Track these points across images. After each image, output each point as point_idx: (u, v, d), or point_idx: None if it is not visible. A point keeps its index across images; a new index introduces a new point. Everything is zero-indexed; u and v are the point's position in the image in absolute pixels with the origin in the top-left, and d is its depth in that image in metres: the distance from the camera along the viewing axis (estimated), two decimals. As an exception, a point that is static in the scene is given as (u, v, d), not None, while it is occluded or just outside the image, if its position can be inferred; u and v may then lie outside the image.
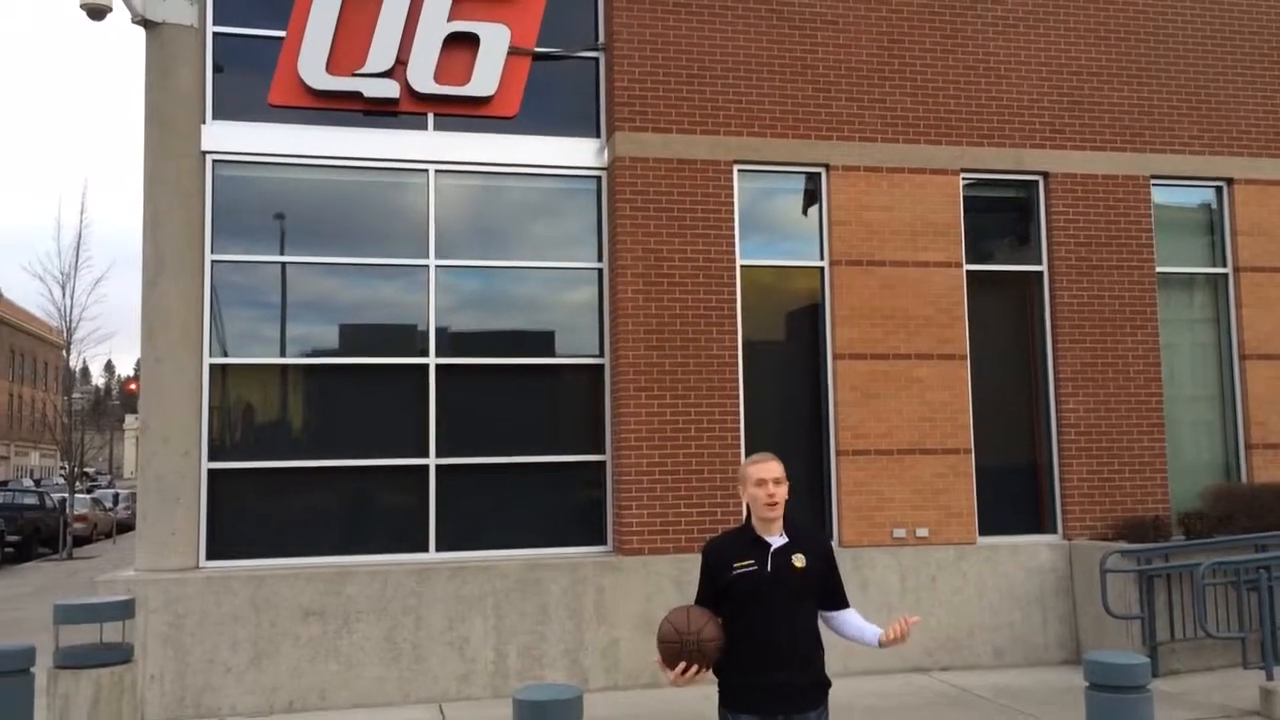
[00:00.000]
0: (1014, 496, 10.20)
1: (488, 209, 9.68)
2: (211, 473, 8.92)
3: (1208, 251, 10.95)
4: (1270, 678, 7.95)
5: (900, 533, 9.69)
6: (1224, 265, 10.89)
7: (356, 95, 9.32)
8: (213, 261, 9.09)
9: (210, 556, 8.84)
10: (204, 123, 9.12)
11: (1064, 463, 10.14)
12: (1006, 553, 9.84)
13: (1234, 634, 8.71)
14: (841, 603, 4.15)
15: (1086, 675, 3.66)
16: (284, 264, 9.29)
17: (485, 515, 9.35)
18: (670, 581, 9.07)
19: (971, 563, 9.75)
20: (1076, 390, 10.20)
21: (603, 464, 9.61)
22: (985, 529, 9.96)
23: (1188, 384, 10.78)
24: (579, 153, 9.77)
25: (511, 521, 9.39)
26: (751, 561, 3.98)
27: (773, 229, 10.02)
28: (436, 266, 9.45)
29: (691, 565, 9.07)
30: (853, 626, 4.14)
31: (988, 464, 10.08)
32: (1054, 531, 10.16)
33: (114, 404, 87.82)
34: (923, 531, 9.72)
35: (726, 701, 3.99)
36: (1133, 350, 10.34)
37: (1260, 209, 10.84)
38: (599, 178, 9.83)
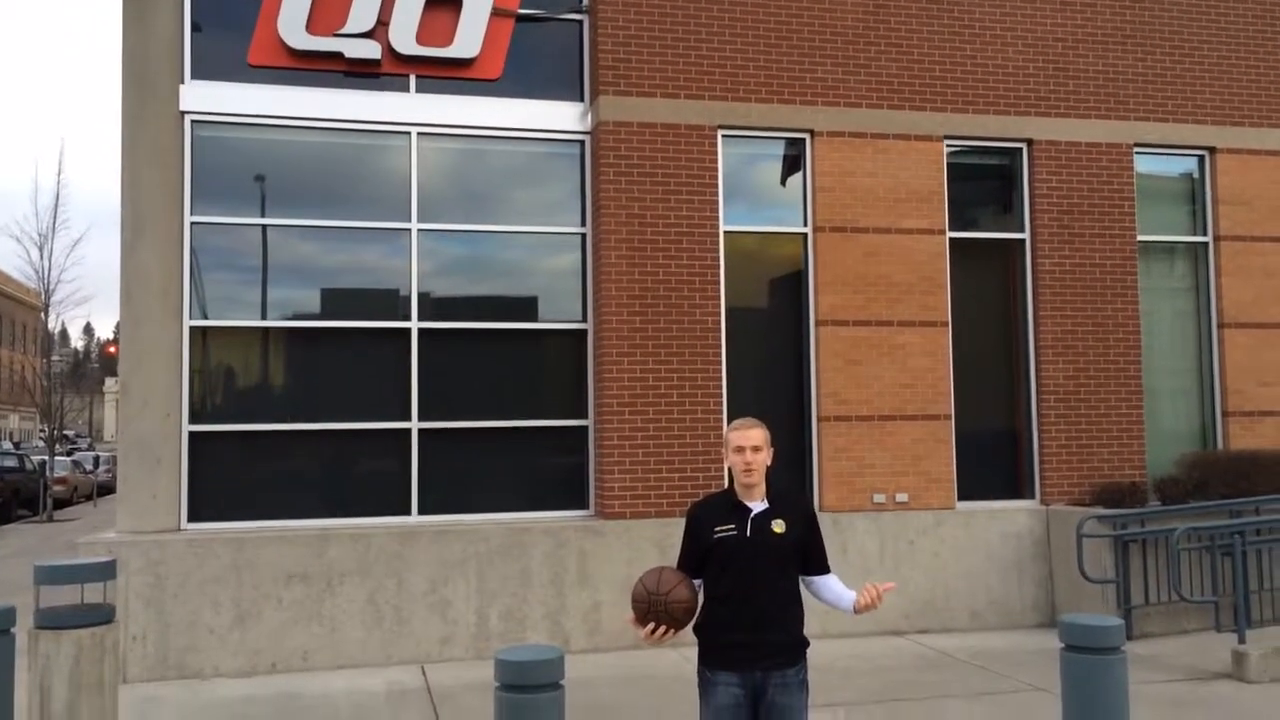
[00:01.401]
0: (993, 462, 10.29)
1: (470, 173, 9.62)
2: (192, 435, 8.90)
3: (1188, 220, 11.00)
4: (1242, 641, 8.08)
5: (880, 498, 9.76)
6: (1204, 234, 10.94)
7: (337, 56, 9.22)
8: (192, 223, 9.01)
9: (192, 519, 8.84)
10: (182, 82, 9.00)
11: (1043, 429, 10.22)
12: (984, 518, 9.94)
13: (1207, 598, 8.83)
14: (822, 568, 4.19)
15: (1062, 637, 3.71)
16: (265, 226, 9.22)
17: (468, 479, 9.37)
18: (652, 545, 9.12)
19: (950, 528, 9.84)
20: (1056, 357, 10.27)
21: (585, 429, 9.63)
22: (964, 494, 10.05)
23: (1166, 352, 10.86)
24: (563, 116, 9.71)
25: (494, 485, 9.41)
26: (732, 526, 4.03)
27: (756, 195, 10.00)
28: (419, 230, 9.40)
29: (673, 529, 9.14)
30: (831, 592, 4.19)
31: (968, 430, 10.15)
32: (1032, 497, 10.26)
33: (93, 367, 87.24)
34: (902, 497, 9.80)
35: (705, 660, 4.04)
36: (1112, 318, 10.40)
37: (1241, 178, 10.89)
38: (583, 142, 9.78)
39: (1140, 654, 8.53)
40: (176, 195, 8.94)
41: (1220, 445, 10.68)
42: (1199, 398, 10.90)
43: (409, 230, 9.38)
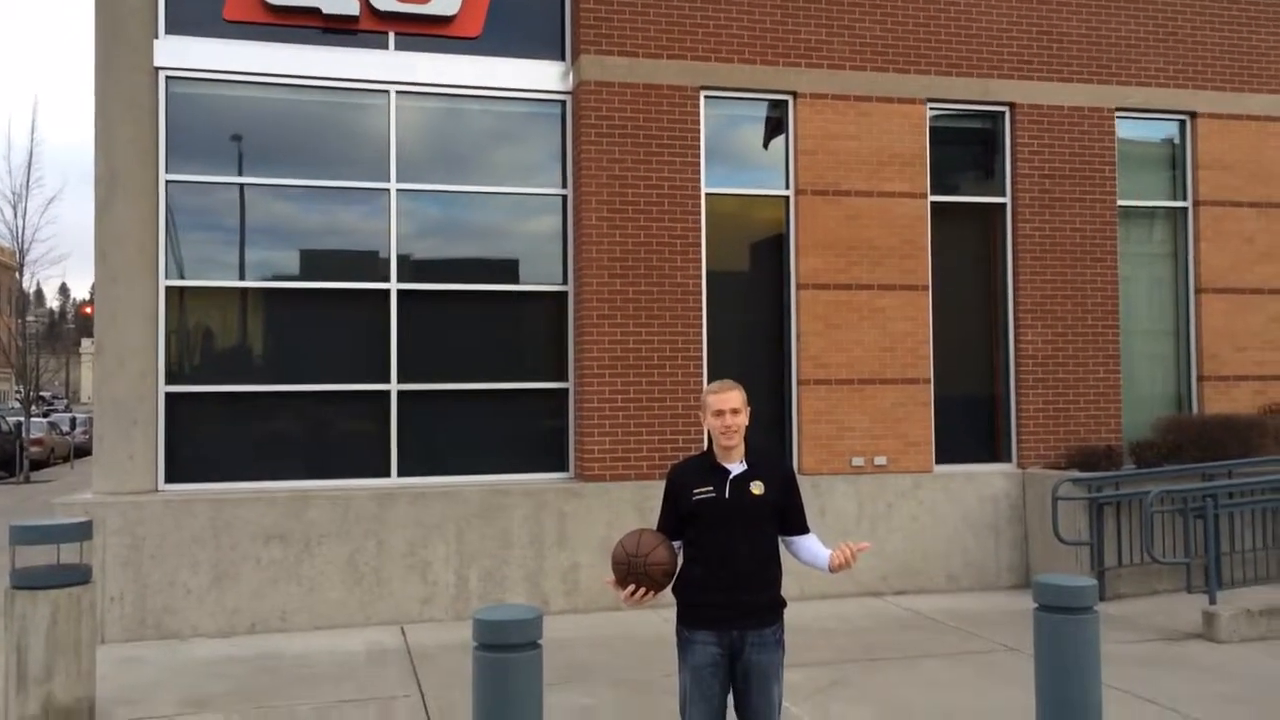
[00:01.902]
0: (971, 426, 10.35)
1: (450, 132, 9.53)
2: (169, 396, 8.84)
3: (1169, 185, 11.02)
4: (1212, 602, 8.19)
5: (859, 461, 9.81)
6: (1184, 199, 10.97)
7: (315, 12, 9.09)
8: (167, 181, 8.90)
9: (169, 480, 8.80)
10: (156, 37, 8.86)
11: (1021, 393, 10.28)
12: (962, 481, 10.01)
13: (1179, 560, 8.95)
14: (800, 528, 4.21)
15: (1035, 597, 3.75)
16: (241, 185, 9.12)
17: (447, 441, 9.35)
18: (631, 508, 9.15)
19: (928, 491, 9.91)
20: (1035, 322, 10.31)
21: (565, 391, 9.62)
22: (942, 458, 10.11)
23: (1144, 317, 10.92)
24: (543, 76, 9.62)
25: (474, 448, 9.41)
26: (710, 488, 4.04)
27: (739, 157, 9.95)
28: (398, 190, 9.32)
29: (653, 491, 9.17)
30: (808, 552, 4.21)
31: (946, 394, 10.20)
32: (1009, 460, 10.33)
33: (69, 327, 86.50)
34: (881, 460, 9.85)
35: (683, 620, 4.07)
36: (1091, 283, 10.44)
37: (1222, 143, 10.90)
38: (564, 102, 9.69)
39: (1113, 614, 8.65)
40: (151, 153, 8.82)
41: (1195, 409, 10.77)
42: (1175, 362, 10.98)
43: (388, 190, 9.30)
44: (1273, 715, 6.13)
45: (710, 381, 9.36)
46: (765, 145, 10.04)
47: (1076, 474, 9.56)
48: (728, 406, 4.06)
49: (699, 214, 9.58)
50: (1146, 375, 10.91)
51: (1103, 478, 9.41)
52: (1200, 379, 10.81)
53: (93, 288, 8.95)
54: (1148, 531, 8.45)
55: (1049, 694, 3.68)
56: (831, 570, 4.08)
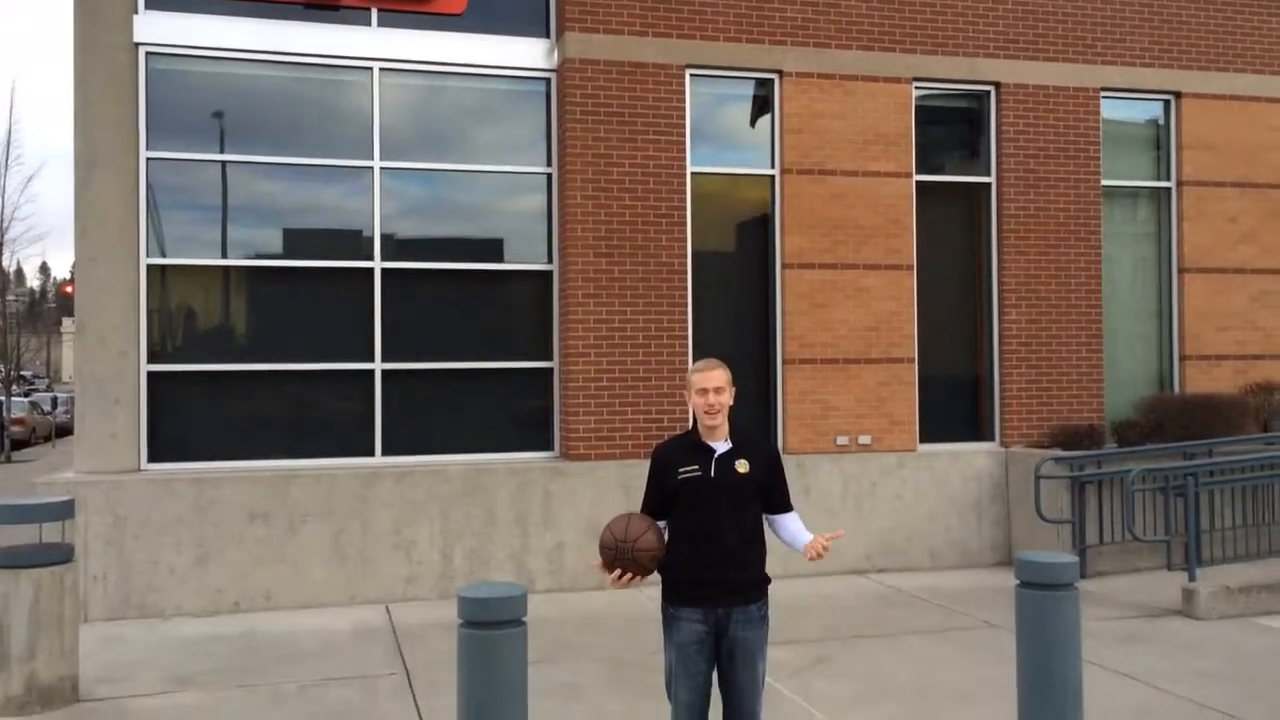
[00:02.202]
0: (955, 405, 10.39)
1: (434, 110, 9.47)
2: (151, 375, 8.79)
3: (1152, 166, 11.05)
4: (1192, 579, 8.27)
5: (843, 440, 9.84)
6: (1168, 179, 11.00)
7: (297, -13, 9.00)
8: (148, 159, 8.82)
9: (152, 459, 8.76)
10: (136, 13, 8.75)
11: (1004, 372, 10.32)
12: (945, 460, 10.06)
13: (1160, 537, 9.02)
14: (784, 507, 4.23)
15: (1017, 574, 3.77)
16: (223, 163, 9.04)
17: (432, 420, 9.34)
18: (617, 487, 9.16)
19: (911, 470, 9.96)
20: (1019, 301, 10.34)
21: (550, 370, 9.61)
22: (926, 437, 10.16)
23: (1127, 297, 10.97)
24: (528, 54, 9.56)
25: (458, 427, 9.39)
26: (696, 466, 4.06)
27: (724, 136, 9.93)
28: (381, 169, 9.27)
29: (638, 471, 9.17)
30: (788, 531, 4.24)
31: (930, 373, 10.23)
32: (992, 439, 10.38)
33: (50, 306, 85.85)
34: (865, 439, 9.89)
35: (669, 597, 4.08)
36: (1075, 263, 10.47)
37: (1206, 123, 10.93)
38: (548, 80, 9.64)
39: (1093, 591, 8.72)
40: (131, 130, 8.73)
41: (1177, 389, 10.84)
42: (1158, 342, 11.04)
43: (371, 168, 9.24)
44: (1250, 690, 6.20)
45: (695, 361, 9.37)
46: (752, 124, 10.01)
47: (1059, 453, 9.61)
48: (711, 385, 4.07)
49: (684, 193, 9.56)
50: (1129, 355, 10.97)
51: (1085, 456, 9.47)
52: (1182, 359, 10.87)
53: (73, 266, 8.88)
54: (1129, 509, 8.51)
55: (1030, 669, 3.71)
56: (809, 559, 4.10)
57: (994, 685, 6.28)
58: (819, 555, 4.05)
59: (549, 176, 9.65)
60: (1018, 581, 3.79)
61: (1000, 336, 10.35)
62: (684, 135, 9.56)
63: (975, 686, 6.32)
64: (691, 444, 4.13)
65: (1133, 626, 7.77)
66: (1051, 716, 3.66)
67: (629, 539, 3.95)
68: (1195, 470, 8.69)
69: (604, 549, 4.01)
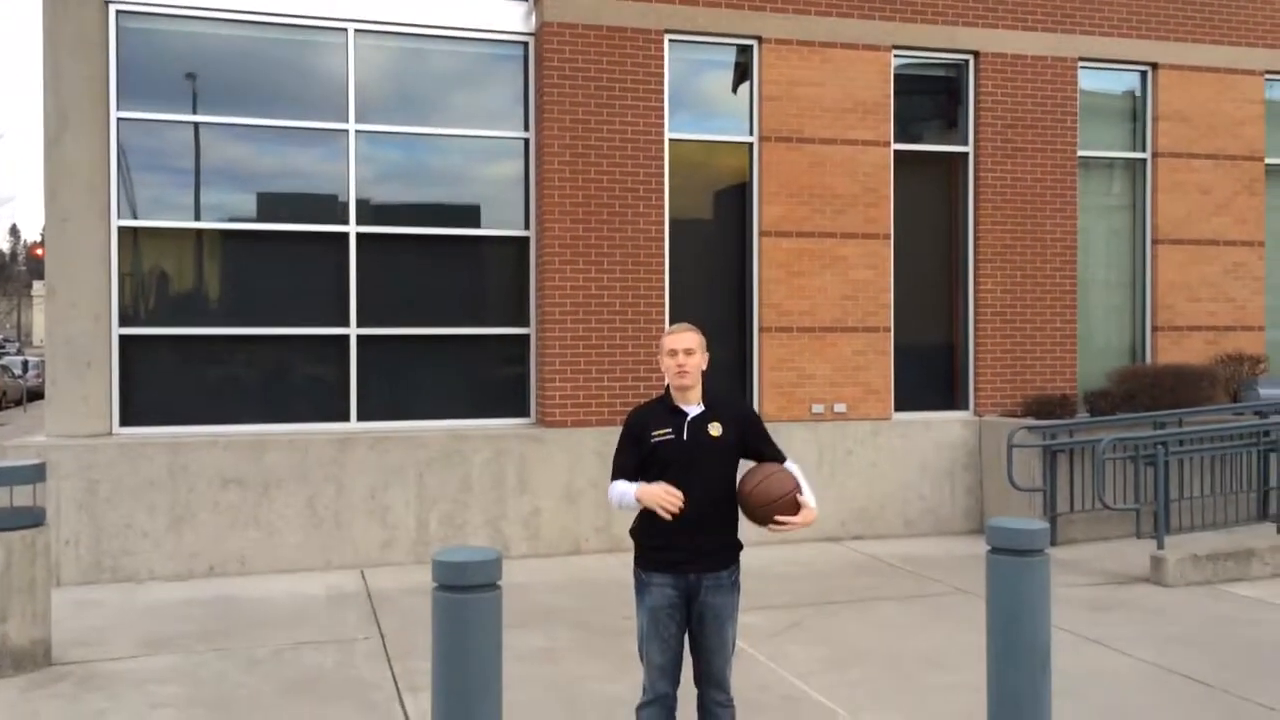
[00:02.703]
0: (930, 374, 10.45)
1: (410, 73, 9.36)
2: (123, 338, 8.71)
3: (1128, 137, 11.09)
4: (1161, 547, 8.38)
5: (819, 408, 9.89)
6: (1143, 150, 11.05)
7: (270, -54, 8.86)
8: (119, 119, 8.69)
9: (124, 423, 8.70)
10: (106, -31, 8.60)
11: (979, 342, 10.38)
12: (920, 428, 10.12)
13: (1129, 506, 9.13)
14: (778, 460, 4.17)
15: (988, 540, 3.81)
16: (196, 124, 8.93)
17: (407, 386, 9.31)
18: (593, 453, 9.18)
19: (886, 438, 10.02)
20: (994, 271, 10.38)
21: (527, 337, 9.59)
22: (901, 405, 10.22)
23: (1101, 268, 11.04)
24: (505, 17, 9.46)
25: (434, 393, 9.37)
26: (669, 430, 4.06)
27: (702, 103, 9.88)
28: (356, 132, 9.17)
29: (614, 438, 9.12)
30: None
31: (906, 342, 10.28)
32: (966, 408, 10.46)
33: (20, 269, 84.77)
34: (841, 407, 9.93)
35: (641, 562, 4.10)
36: (1051, 233, 10.52)
37: (1182, 95, 10.97)
38: (526, 44, 9.55)
39: (1064, 559, 8.83)
40: (102, 90, 8.60)
41: (1149, 359, 10.94)
42: (1130, 313, 11.12)
43: (346, 131, 9.15)
44: (1215, 655, 6.31)
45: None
46: (734, 91, 9.96)
47: (1032, 422, 9.70)
48: (681, 346, 4.06)
49: (662, 160, 9.52)
50: (1102, 325, 11.05)
51: (1057, 425, 9.56)
52: (1154, 329, 10.96)
53: (44, 229, 8.76)
54: (1100, 478, 8.60)
55: (999, 635, 3.76)
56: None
57: (964, 650, 6.36)
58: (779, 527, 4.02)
59: (526, 142, 9.58)
60: (989, 547, 3.83)
61: (975, 306, 10.40)
62: (662, 101, 9.51)
63: (946, 651, 6.40)
64: (665, 408, 4.13)
65: (1102, 593, 7.88)
66: (1020, 680, 3.71)
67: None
68: (1165, 439, 8.79)
69: (782, 499, 3.94)
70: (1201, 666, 6.09)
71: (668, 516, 3.90)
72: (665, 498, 3.89)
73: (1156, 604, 7.56)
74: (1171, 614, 7.28)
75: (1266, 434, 9.40)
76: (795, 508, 3.97)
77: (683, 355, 4.06)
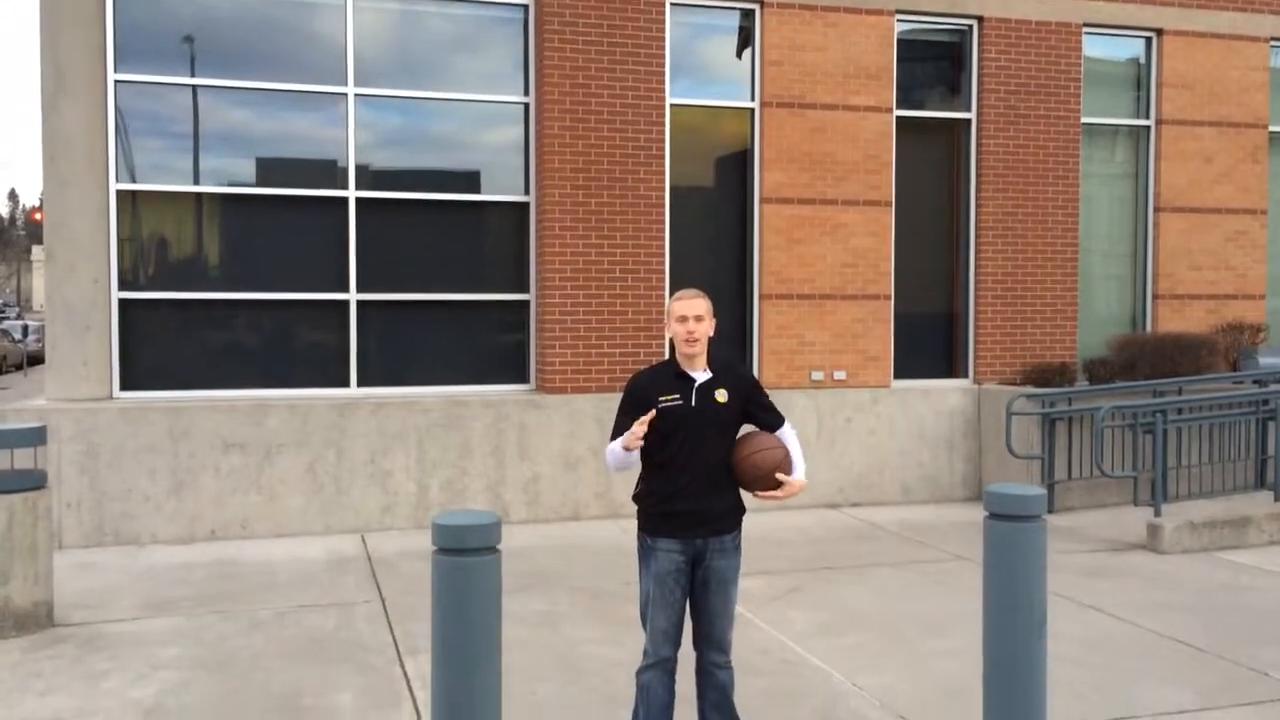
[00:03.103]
0: (930, 342, 10.45)
1: (409, 36, 9.29)
2: (123, 302, 8.70)
3: (1132, 104, 11.02)
4: (1158, 514, 8.42)
5: (819, 375, 9.89)
6: (1147, 117, 10.98)
7: (268, -94, 8.76)
8: (116, 82, 8.64)
9: (124, 387, 8.71)
10: (102, -70, 8.51)
11: (979, 310, 10.37)
12: (919, 396, 10.14)
13: (1127, 473, 9.16)
14: (773, 426, 4.19)
15: (986, 506, 3.82)
16: (194, 87, 8.87)
17: (407, 352, 9.31)
18: (592, 420, 9.20)
19: (885, 405, 10.03)
20: (996, 239, 10.35)
21: (527, 303, 9.57)
22: (900, 373, 10.22)
23: (1102, 236, 11.01)
24: (505, -22, 9.37)
25: (434, 359, 9.38)
26: (676, 395, 4.05)
27: (704, 68, 9.81)
28: (356, 95, 9.11)
29: (614, 404, 9.15)
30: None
31: (906, 310, 10.27)
32: (965, 376, 10.46)
33: (20, 234, 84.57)
34: (840, 374, 9.94)
35: (646, 528, 4.10)
36: (1053, 200, 10.48)
37: (1186, 61, 10.89)
38: (526, 7, 9.47)
39: (1061, 526, 8.87)
40: (99, 52, 8.54)
41: (1149, 328, 10.94)
42: (1131, 281, 11.11)
43: (345, 95, 9.09)
44: (1210, 621, 6.36)
45: (672, 294, 9.36)
46: (739, 55, 9.89)
47: (1031, 390, 9.71)
48: (691, 313, 4.06)
49: (663, 125, 9.46)
50: (1103, 293, 11.04)
51: (1056, 393, 9.57)
52: (1155, 297, 10.95)
53: (42, 193, 8.73)
54: (1098, 446, 8.62)
55: (996, 600, 3.78)
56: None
57: (961, 615, 6.40)
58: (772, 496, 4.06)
59: (526, 106, 9.52)
60: (986, 513, 3.84)
61: (976, 274, 10.38)
62: (663, 66, 9.44)
63: (943, 616, 6.44)
64: (671, 373, 4.12)
65: (1098, 560, 7.92)
66: (1016, 645, 3.73)
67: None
68: (1164, 408, 8.80)
69: (765, 475, 4.00)
70: (1196, 632, 6.13)
71: (635, 444, 3.91)
72: (637, 429, 3.90)
73: (1153, 571, 7.60)
74: (1167, 581, 7.32)
75: (1265, 403, 9.41)
76: (777, 484, 4.01)
77: (693, 322, 4.05)
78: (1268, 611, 6.58)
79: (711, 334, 4.12)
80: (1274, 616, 6.47)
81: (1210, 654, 5.76)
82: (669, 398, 4.04)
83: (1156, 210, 10.92)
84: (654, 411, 3.94)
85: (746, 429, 4.17)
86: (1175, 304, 10.95)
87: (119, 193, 8.69)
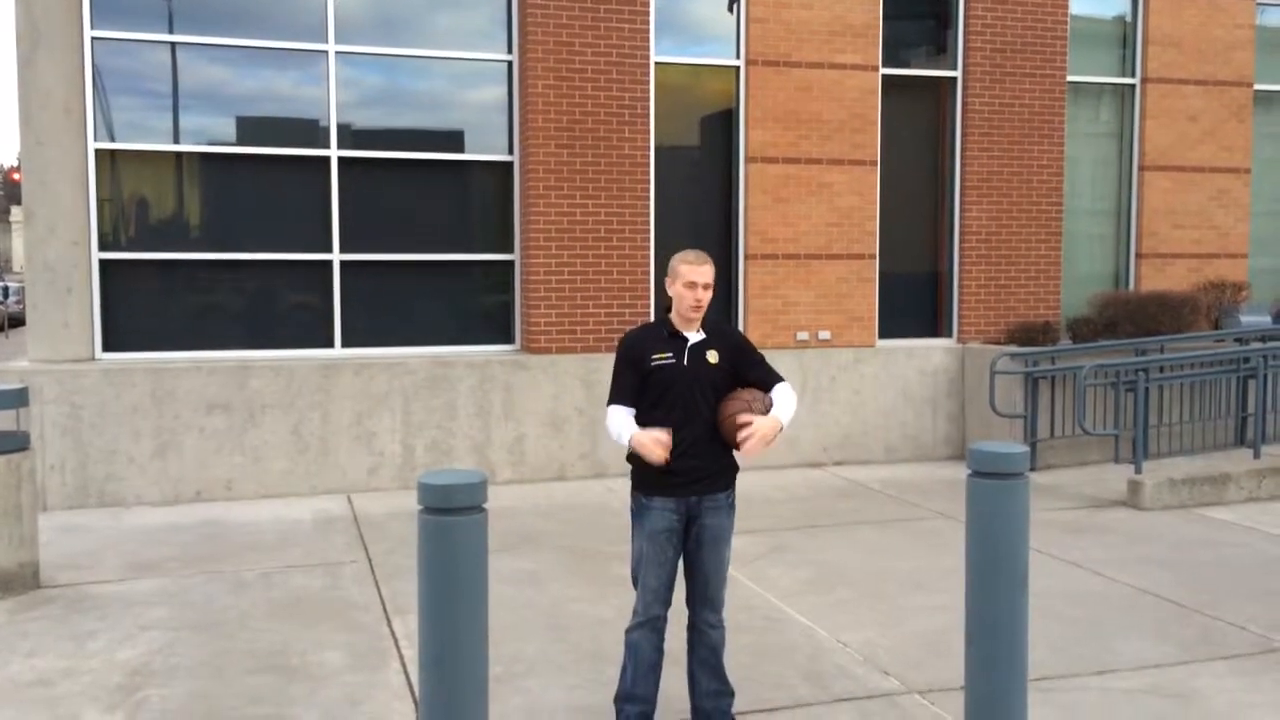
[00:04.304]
0: (914, 301, 10.47)
1: (390, -8, 9.17)
2: (104, 263, 8.63)
3: (1118, 62, 10.99)
4: (1138, 471, 8.50)
5: (804, 335, 9.91)
6: (1132, 76, 10.96)
7: None
8: (93, 38, 8.51)
9: (107, 349, 8.66)
10: (75, -118, 8.35)
11: (963, 269, 10.38)
12: (903, 355, 10.17)
13: (1109, 431, 9.23)
14: (767, 385, 4.18)
15: (969, 463, 3.85)
16: (173, 44, 8.74)
17: (391, 313, 9.28)
18: (578, 380, 9.20)
19: (870, 365, 10.07)
20: (980, 198, 10.35)
21: (511, 263, 9.54)
22: (885, 332, 10.25)
23: (1087, 195, 11.01)
24: (487, -67, 9.24)
25: (419, 319, 9.34)
26: (670, 354, 4.06)
27: (689, 25, 9.72)
28: (337, 53, 9.01)
29: (599, 364, 9.22)
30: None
31: (891, 269, 10.28)
32: (949, 335, 10.50)
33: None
34: (825, 334, 9.96)
35: (640, 487, 4.11)
36: (1038, 159, 10.47)
37: (1173, 19, 10.85)
38: (509, -38, 9.35)
39: (1044, 484, 8.95)
40: (75, 8, 8.40)
41: (1132, 286, 10.98)
42: (1115, 240, 11.13)
43: (326, 53, 8.98)
44: (1188, 576, 6.44)
45: (658, 255, 9.35)
46: (729, 10, 9.79)
47: (1014, 349, 9.75)
48: (702, 280, 4.05)
49: (648, 84, 9.39)
50: (1086, 252, 11.07)
51: (1039, 352, 9.62)
52: (1138, 256, 10.99)
53: (19, 153, 8.61)
54: (1080, 404, 8.68)
55: (978, 556, 3.81)
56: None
57: (944, 572, 6.46)
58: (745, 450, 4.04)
59: (510, 64, 9.43)
60: (969, 471, 3.87)
61: (961, 233, 10.39)
62: (648, 23, 9.35)
63: (926, 573, 6.50)
64: (665, 333, 4.12)
65: (1080, 517, 8.00)
66: (999, 601, 3.77)
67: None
68: (1146, 366, 8.86)
69: (729, 418, 4.00)
70: (1176, 587, 6.22)
71: (657, 461, 3.92)
72: (654, 448, 3.92)
73: (1133, 527, 7.68)
74: (1146, 537, 7.41)
75: (1246, 361, 9.48)
76: (742, 426, 3.98)
77: (701, 289, 4.05)
78: (1246, 566, 6.67)
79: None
80: (1252, 571, 6.57)
81: (1189, 608, 5.84)
82: (662, 356, 4.05)
83: (1141, 169, 10.93)
84: (668, 438, 3.93)
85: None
86: (1158, 263, 10.99)
87: (98, 152, 8.59)
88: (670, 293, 4.13)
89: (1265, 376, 9.15)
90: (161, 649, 5.22)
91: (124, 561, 6.77)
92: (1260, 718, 4.44)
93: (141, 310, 8.77)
